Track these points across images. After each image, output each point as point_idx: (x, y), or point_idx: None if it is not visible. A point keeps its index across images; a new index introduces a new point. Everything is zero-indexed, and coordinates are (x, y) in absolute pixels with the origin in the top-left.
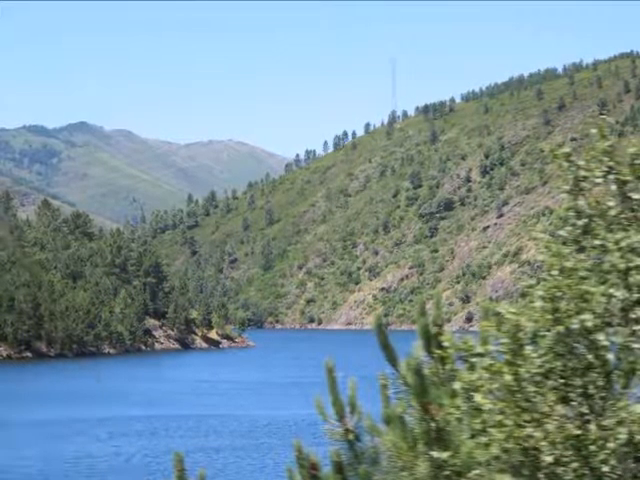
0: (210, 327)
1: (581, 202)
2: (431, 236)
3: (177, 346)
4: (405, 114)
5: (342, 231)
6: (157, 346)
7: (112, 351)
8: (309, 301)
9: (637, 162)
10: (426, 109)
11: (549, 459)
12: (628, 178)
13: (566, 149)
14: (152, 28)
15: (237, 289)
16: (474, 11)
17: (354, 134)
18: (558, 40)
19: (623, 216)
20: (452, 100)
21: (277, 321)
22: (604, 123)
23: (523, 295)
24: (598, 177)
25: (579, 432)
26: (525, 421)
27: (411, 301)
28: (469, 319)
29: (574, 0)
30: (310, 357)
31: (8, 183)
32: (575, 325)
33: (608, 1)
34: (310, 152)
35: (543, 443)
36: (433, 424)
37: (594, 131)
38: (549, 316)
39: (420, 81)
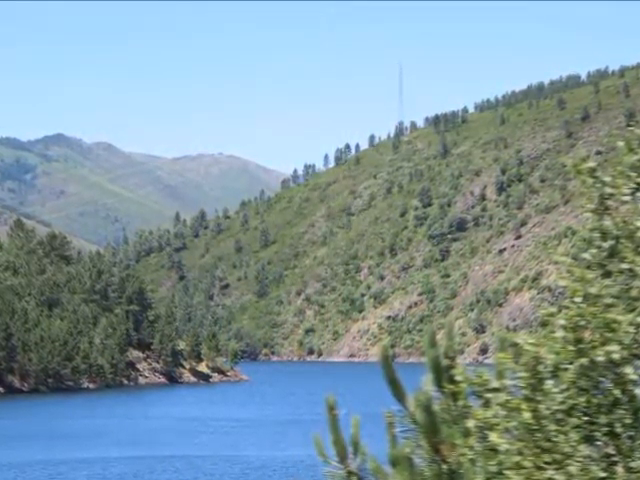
0: (199, 359)
1: (607, 222)
2: (442, 259)
3: (163, 380)
4: (413, 125)
5: (344, 254)
6: (141, 380)
7: (91, 386)
8: (308, 331)
9: None
10: (436, 120)
11: None
12: None
13: (590, 164)
14: (135, 32)
15: (229, 317)
16: (488, 13)
17: (357, 147)
18: (581, 44)
19: None
20: (465, 110)
21: (273, 352)
22: (632, 135)
23: (543, 324)
24: (626, 194)
25: (604, 475)
26: (545, 463)
27: (420, 331)
28: (484, 350)
29: (598, 0)
30: (309, 392)
31: None
32: (600, 357)
33: (636, 1)
34: (309, 167)
35: None
36: (444, 466)
37: (621, 144)
38: (572, 347)
39: (430, 89)
